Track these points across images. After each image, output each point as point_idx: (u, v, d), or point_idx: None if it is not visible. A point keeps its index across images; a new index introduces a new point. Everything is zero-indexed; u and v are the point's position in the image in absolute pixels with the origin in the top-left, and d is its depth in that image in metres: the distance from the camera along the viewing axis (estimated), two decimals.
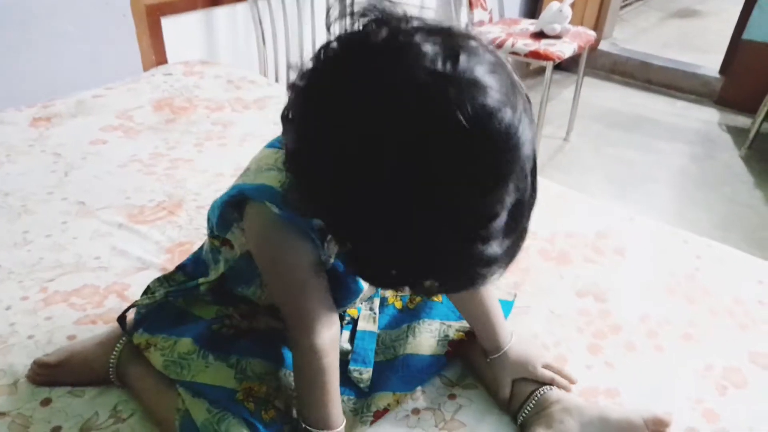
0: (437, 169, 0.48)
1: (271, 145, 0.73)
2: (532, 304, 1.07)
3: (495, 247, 0.52)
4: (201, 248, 0.91)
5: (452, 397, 0.89)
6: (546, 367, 0.87)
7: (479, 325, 0.87)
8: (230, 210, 0.73)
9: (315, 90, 0.55)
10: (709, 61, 3.30)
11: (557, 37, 2.62)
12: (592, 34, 2.73)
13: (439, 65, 0.48)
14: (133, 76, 1.89)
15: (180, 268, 0.92)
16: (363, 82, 0.50)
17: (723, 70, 3.20)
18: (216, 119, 1.66)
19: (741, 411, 0.88)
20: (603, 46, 3.56)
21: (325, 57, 0.55)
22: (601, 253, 1.20)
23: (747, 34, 3.00)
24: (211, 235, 0.81)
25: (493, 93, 0.49)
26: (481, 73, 0.49)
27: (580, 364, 0.96)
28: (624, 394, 0.91)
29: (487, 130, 0.48)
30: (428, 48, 0.49)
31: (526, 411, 0.83)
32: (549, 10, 2.62)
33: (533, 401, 0.83)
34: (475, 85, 0.48)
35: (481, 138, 0.48)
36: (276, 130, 0.66)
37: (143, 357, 0.83)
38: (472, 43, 0.52)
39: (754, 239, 2.25)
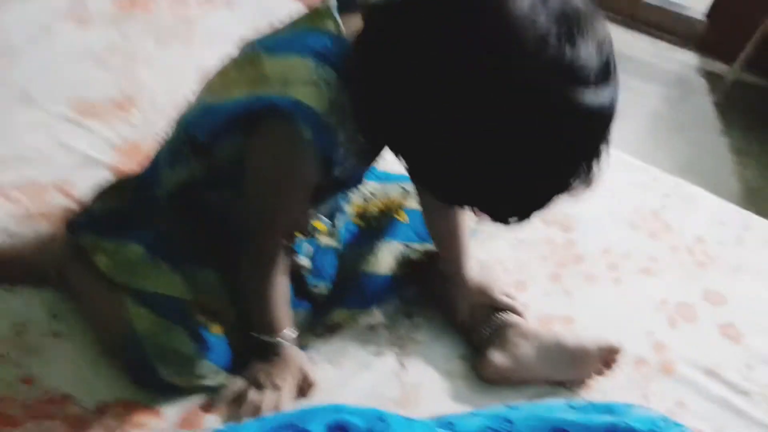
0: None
1: (295, 50, 0.63)
2: (497, 229, 1.05)
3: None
4: (159, 151, 0.84)
5: (409, 315, 0.88)
6: (505, 294, 0.87)
7: (445, 245, 0.86)
8: (242, 120, 0.65)
9: (418, 12, 0.54)
10: (696, 2, 3.23)
11: None
12: None
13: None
14: None
15: (136, 174, 0.86)
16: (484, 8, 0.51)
17: (710, 13, 3.13)
18: (180, 15, 1.54)
19: (688, 343, 0.90)
20: None
21: None
22: None
23: None
24: (182, 138, 0.74)
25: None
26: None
27: (540, 291, 0.96)
28: (578, 322, 0.92)
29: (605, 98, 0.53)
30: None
31: (482, 333, 0.83)
32: None
33: (490, 325, 0.83)
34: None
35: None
36: (246, 33, 0.61)
37: (88, 260, 0.78)
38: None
39: (713, 184, 2.28)
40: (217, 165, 0.71)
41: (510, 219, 0.61)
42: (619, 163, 1.26)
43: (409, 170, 0.62)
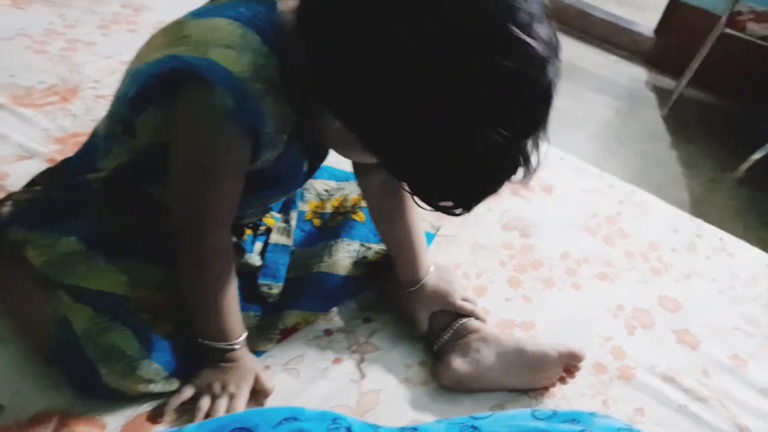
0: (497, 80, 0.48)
1: (223, 15, 0.58)
2: (458, 233, 1.03)
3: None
4: (93, 135, 0.77)
5: (367, 320, 0.84)
6: (465, 300, 0.84)
7: (400, 253, 0.82)
8: (158, 85, 0.59)
9: None
10: (645, 19, 3.34)
11: None
12: None
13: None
14: None
15: (66, 160, 0.79)
16: None
17: (657, 30, 3.25)
18: (126, 1, 1.46)
19: (646, 349, 0.90)
20: None
21: None
22: (530, 189, 1.17)
23: None
24: (114, 117, 0.68)
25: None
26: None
27: (500, 296, 0.94)
28: (539, 327, 0.90)
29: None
30: None
31: (442, 340, 0.80)
32: None
33: (450, 331, 0.80)
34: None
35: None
36: None
37: (18, 255, 0.70)
38: None
39: (661, 194, 2.34)
40: (140, 145, 0.64)
41: (453, 203, 0.55)
42: (576, 169, 1.27)
43: (361, 140, 0.55)
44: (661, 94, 3.02)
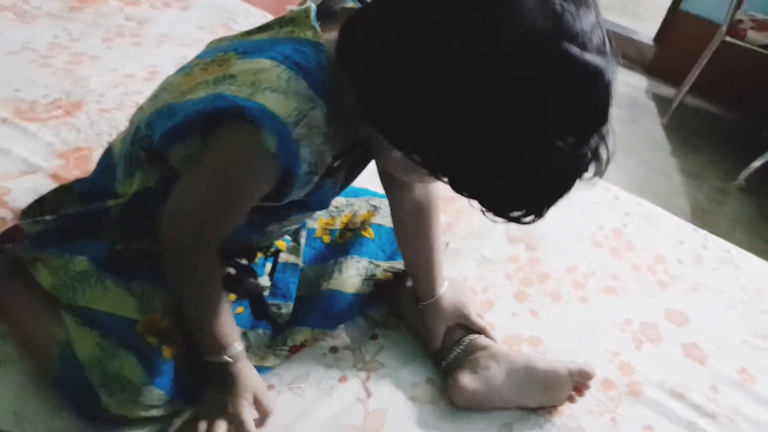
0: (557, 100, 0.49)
1: (270, 56, 0.58)
2: (463, 246, 1.03)
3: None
4: (107, 154, 0.77)
5: (374, 337, 0.84)
6: (478, 315, 0.84)
7: (419, 267, 0.82)
8: (201, 121, 0.59)
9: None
10: (645, 28, 3.35)
11: None
12: None
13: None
14: None
15: (79, 181, 0.79)
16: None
17: (657, 38, 3.25)
18: (130, 14, 1.46)
19: (654, 365, 0.90)
20: None
21: None
22: None
23: (685, 5, 3.05)
24: (138, 143, 0.67)
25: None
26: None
27: (506, 311, 0.93)
28: (546, 342, 0.90)
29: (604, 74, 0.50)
30: None
31: (451, 356, 0.79)
32: None
33: (460, 347, 0.79)
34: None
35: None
36: (201, 35, 0.55)
37: (26, 275, 0.70)
38: None
39: (665, 204, 2.34)
40: (172, 174, 0.64)
41: (524, 212, 0.55)
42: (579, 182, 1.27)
43: (426, 167, 0.56)
44: (662, 102, 3.02)
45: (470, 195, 0.55)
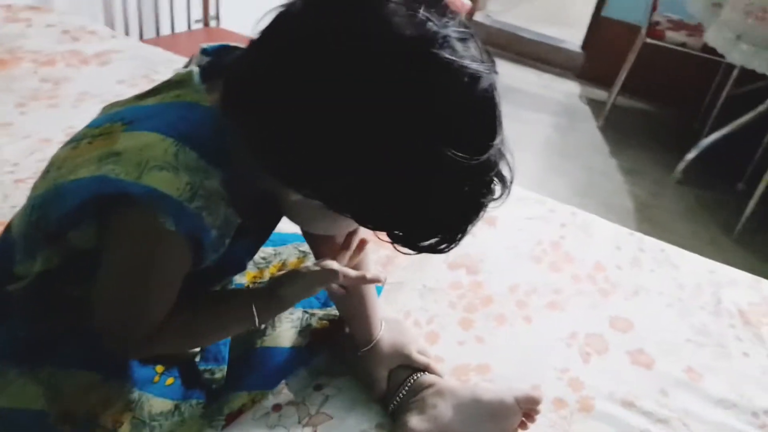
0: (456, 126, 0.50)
1: (156, 128, 0.56)
2: (405, 278, 1.01)
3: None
4: (8, 230, 0.73)
5: (318, 387, 0.81)
6: (419, 352, 0.82)
7: (354, 314, 0.80)
8: (90, 206, 0.56)
9: (306, 45, 0.49)
10: (573, 36, 3.47)
11: None
12: (468, 3, 2.73)
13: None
14: None
15: None
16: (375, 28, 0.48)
17: (584, 45, 3.37)
18: (45, 75, 1.42)
19: (603, 376, 0.90)
20: (477, 17, 3.61)
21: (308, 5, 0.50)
22: None
23: (606, 12, 3.18)
24: (34, 224, 0.63)
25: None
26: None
27: (452, 340, 0.92)
28: (495, 369, 0.89)
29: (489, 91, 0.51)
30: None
31: (398, 398, 0.77)
32: None
33: (406, 387, 0.78)
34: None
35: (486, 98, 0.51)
36: (121, 89, 0.53)
37: None
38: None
39: (609, 204, 2.42)
40: (74, 254, 0.61)
41: (436, 241, 0.54)
42: (517, 198, 1.28)
43: (327, 205, 0.55)
44: (596, 106, 3.12)
45: (376, 228, 0.54)
